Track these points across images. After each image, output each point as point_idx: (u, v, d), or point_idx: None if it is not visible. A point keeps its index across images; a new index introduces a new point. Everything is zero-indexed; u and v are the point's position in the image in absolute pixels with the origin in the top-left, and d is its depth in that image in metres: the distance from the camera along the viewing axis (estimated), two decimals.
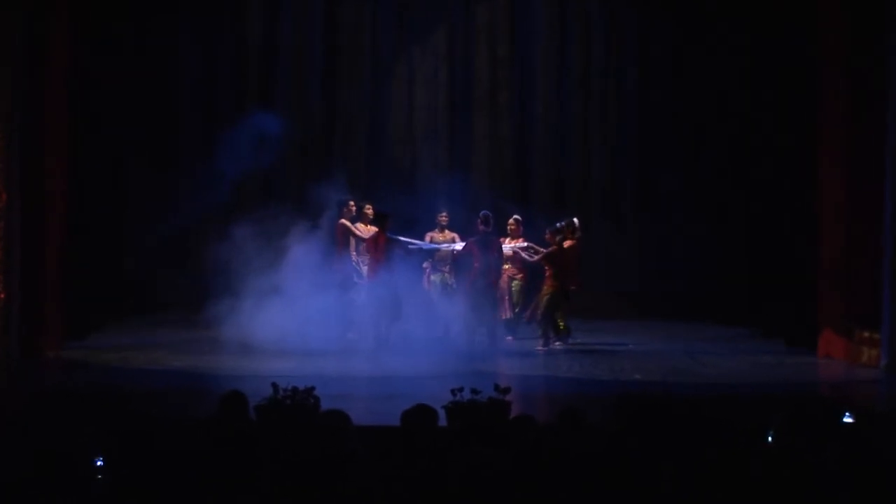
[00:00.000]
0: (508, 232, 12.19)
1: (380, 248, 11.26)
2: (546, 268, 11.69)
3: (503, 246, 11.83)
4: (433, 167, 14.98)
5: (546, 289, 11.61)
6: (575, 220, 11.92)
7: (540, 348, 11.54)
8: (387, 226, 11.42)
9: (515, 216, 12.35)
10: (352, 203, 11.68)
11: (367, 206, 11.92)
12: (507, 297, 12.07)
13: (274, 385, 6.48)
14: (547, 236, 11.81)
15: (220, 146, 12.42)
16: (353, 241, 11.63)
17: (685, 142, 14.68)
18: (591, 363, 10.72)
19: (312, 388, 6.54)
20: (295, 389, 6.46)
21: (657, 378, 9.77)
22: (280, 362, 10.06)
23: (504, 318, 12.09)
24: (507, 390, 6.51)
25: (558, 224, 11.82)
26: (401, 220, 12.26)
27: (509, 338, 12.16)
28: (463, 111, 15.24)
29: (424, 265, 12.13)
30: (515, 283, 12.13)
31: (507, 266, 11.99)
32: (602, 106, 15.28)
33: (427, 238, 12.10)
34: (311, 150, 14.70)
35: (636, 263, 14.89)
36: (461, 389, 6.41)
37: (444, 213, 12.21)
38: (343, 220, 11.52)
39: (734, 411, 7.76)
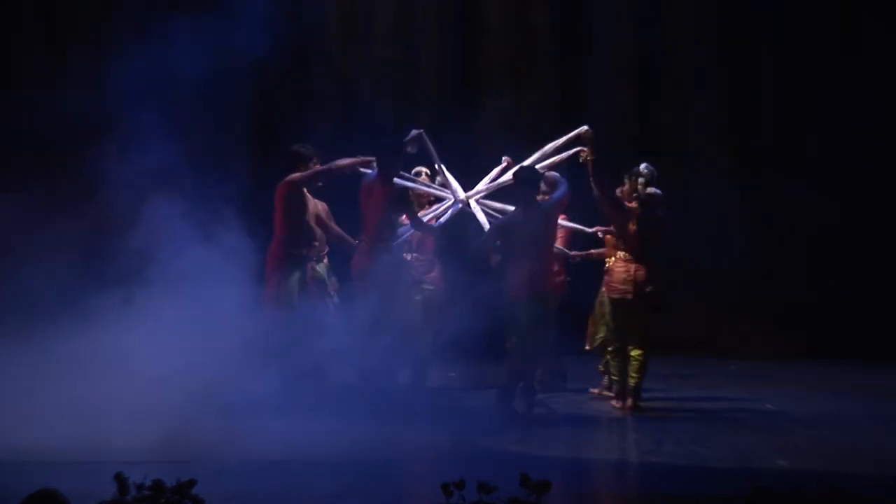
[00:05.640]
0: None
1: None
2: (616, 246, 11.87)
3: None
4: (433, 79, 15.58)
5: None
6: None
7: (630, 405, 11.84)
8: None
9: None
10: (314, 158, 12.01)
11: None
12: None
13: (119, 477, 6.47)
14: (622, 187, 11.95)
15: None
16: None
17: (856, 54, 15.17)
18: (692, 437, 10.81)
19: (191, 483, 6.58)
20: (158, 486, 6.46)
21: (815, 466, 9.79)
22: (137, 432, 9.90)
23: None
24: (543, 487, 6.57)
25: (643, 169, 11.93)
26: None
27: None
28: None
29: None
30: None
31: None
32: None
33: None
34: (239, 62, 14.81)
35: (773, 256, 15.27)
36: (461, 485, 6.47)
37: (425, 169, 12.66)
38: (294, 176, 11.87)
39: None
